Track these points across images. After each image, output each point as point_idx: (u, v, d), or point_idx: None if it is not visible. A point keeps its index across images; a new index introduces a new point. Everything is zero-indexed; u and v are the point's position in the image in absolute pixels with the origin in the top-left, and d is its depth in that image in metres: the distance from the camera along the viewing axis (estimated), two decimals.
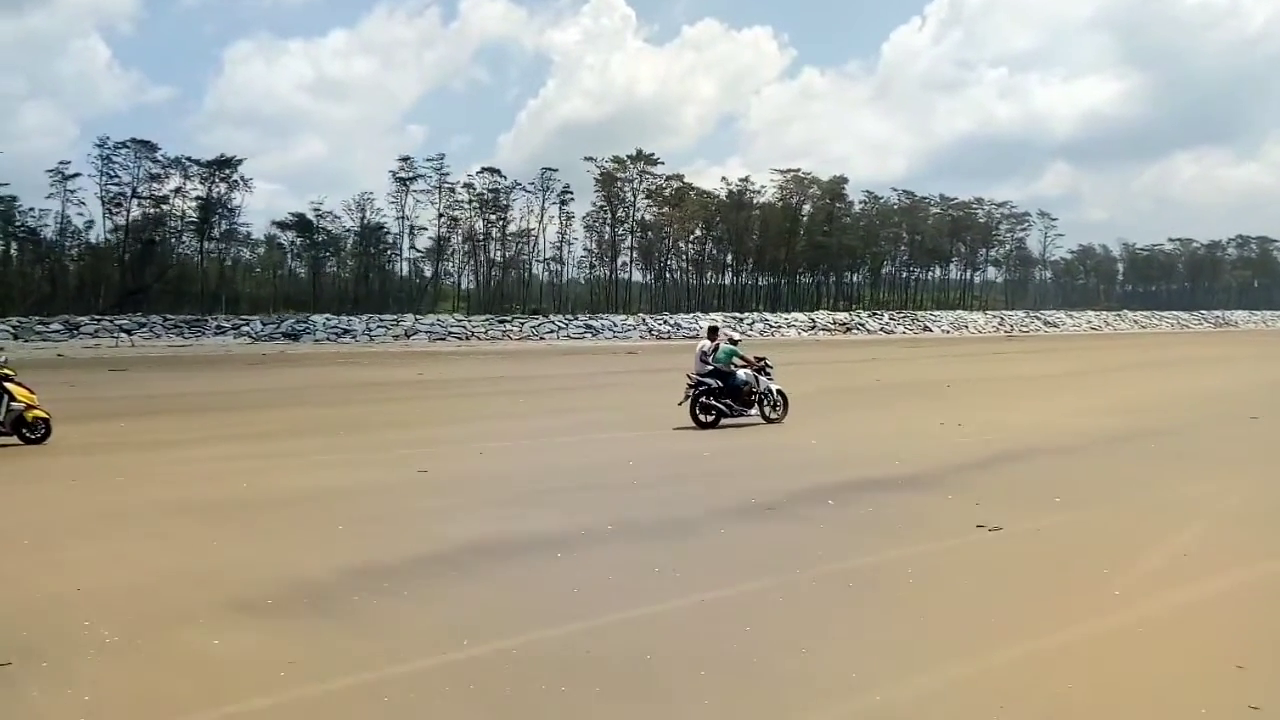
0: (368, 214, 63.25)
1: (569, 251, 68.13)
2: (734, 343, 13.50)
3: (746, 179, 71.33)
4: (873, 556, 5.87)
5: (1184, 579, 5.36)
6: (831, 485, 8.21)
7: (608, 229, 67.33)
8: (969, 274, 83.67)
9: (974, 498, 7.66)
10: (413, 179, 62.65)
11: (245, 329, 47.07)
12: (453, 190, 63.44)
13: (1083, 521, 6.91)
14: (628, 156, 66.32)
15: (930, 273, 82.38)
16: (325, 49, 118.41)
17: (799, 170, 72.70)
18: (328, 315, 50.84)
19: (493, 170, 64.95)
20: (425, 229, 64.09)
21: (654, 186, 67.51)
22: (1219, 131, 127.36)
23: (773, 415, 13.07)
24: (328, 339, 47.43)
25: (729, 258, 72.27)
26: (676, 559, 5.85)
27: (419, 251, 65.63)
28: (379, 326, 49.55)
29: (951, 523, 6.80)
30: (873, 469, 9.07)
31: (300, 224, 62.71)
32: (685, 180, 69.56)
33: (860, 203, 76.45)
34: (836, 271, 74.50)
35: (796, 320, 59.37)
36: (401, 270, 66.91)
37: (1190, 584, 5.26)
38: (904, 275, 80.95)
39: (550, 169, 65.38)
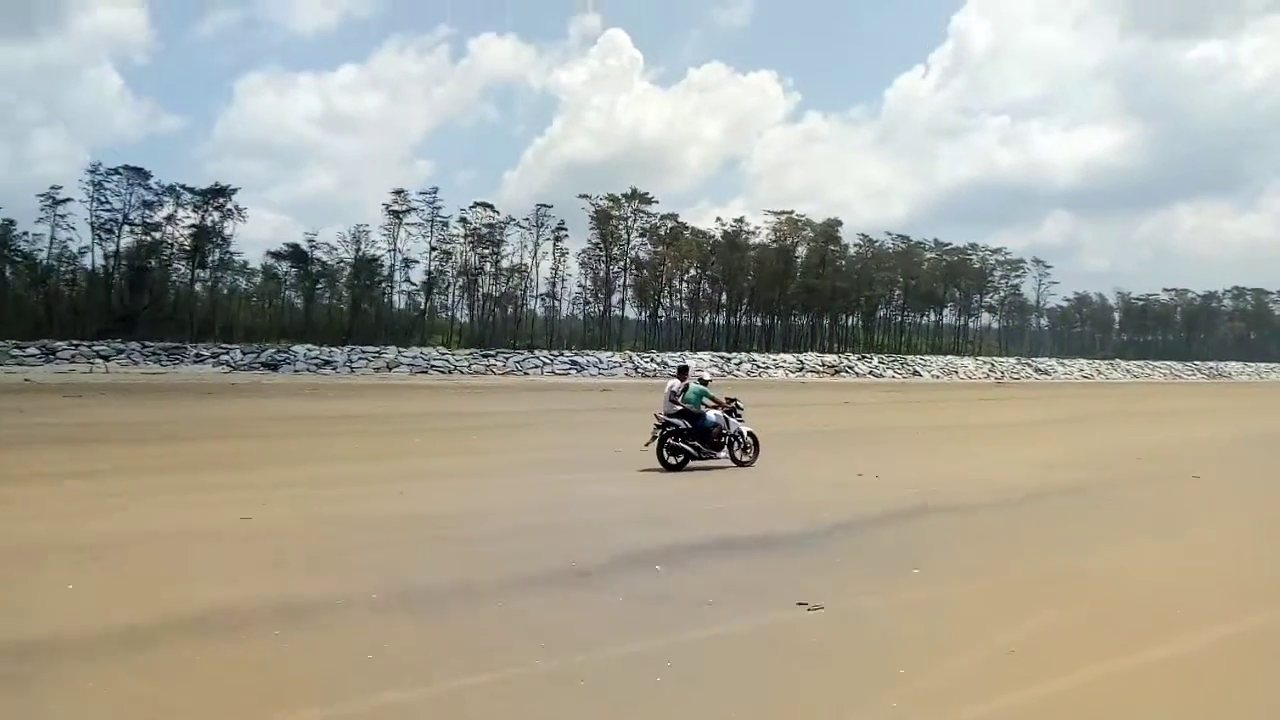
0: (363, 246, 63.38)
1: (564, 288, 67.94)
2: (704, 383, 12.91)
3: (741, 219, 71.25)
4: (644, 643, 4.98)
5: (990, 689, 4.39)
6: (674, 545, 7.32)
7: (602, 266, 67.14)
8: (963, 320, 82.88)
9: (822, 565, 6.77)
10: (406, 212, 62.75)
11: (224, 358, 46.58)
12: (445, 224, 63.53)
13: (924, 601, 5.99)
14: (623, 195, 66.42)
15: (925, 318, 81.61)
16: (335, 83, 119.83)
17: (793, 212, 72.53)
18: (310, 346, 50.34)
19: (486, 205, 65.00)
20: (418, 262, 64.08)
21: (649, 225, 67.43)
22: (1219, 183, 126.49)
23: (743, 458, 12.54)
24: (308, 369, 46.89)
25: (723, 297, 71.76)
26: (415, 640, 4.98)
27: (414, 284, 65.59)
28: (360, 358, 49.03)
29: (773, 598, 5.90)
30: (737, 526, 8.17)
31: (295, 254, 62.86)
32: (680, 220, 69.58)
33: (855, 246, 76.03)
34: (831, 314, 73.70)
35: (785, 362, 58.40)
36: (397, 303, 66.85)
37: (995, 696, 4.31)
38: (899, 319, 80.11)
39: (545, 205, 65.54)
